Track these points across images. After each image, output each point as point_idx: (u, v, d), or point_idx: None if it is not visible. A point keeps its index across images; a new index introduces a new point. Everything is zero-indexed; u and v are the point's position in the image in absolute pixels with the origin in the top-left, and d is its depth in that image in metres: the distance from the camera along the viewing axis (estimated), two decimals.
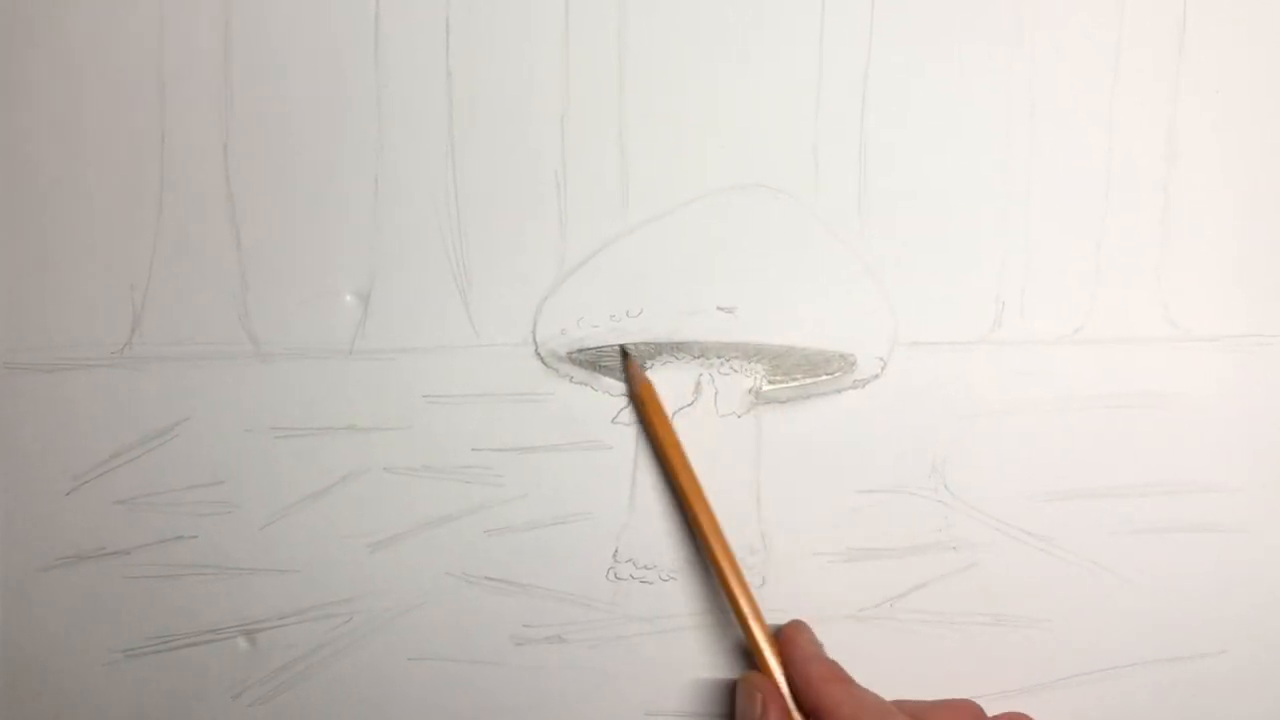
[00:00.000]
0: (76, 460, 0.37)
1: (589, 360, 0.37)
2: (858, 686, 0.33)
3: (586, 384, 0.37)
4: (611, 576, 0.38)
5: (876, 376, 0.37)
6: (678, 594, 0.37)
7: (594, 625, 0.38)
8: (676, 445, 0.36)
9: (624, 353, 0.36)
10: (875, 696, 0.33)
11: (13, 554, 0.38)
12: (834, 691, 0.33)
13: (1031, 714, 0.35)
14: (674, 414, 0.37)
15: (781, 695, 0.33)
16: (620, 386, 0.37)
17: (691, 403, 0.37)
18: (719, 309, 0.37)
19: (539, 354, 0.37)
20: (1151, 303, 0.37)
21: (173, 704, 0.38)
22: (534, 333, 0.37)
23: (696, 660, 0.37)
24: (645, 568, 0.37)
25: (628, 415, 0.37)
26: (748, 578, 0.36)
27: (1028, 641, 0.38)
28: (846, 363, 0.37)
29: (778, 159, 0.37)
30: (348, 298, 0.37)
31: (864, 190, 0.37)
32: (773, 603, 0.37)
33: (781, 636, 0.35)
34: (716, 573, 0.35)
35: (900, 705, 0.33)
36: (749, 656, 0.35)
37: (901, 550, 0.36)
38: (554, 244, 0.37)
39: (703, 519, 0.35)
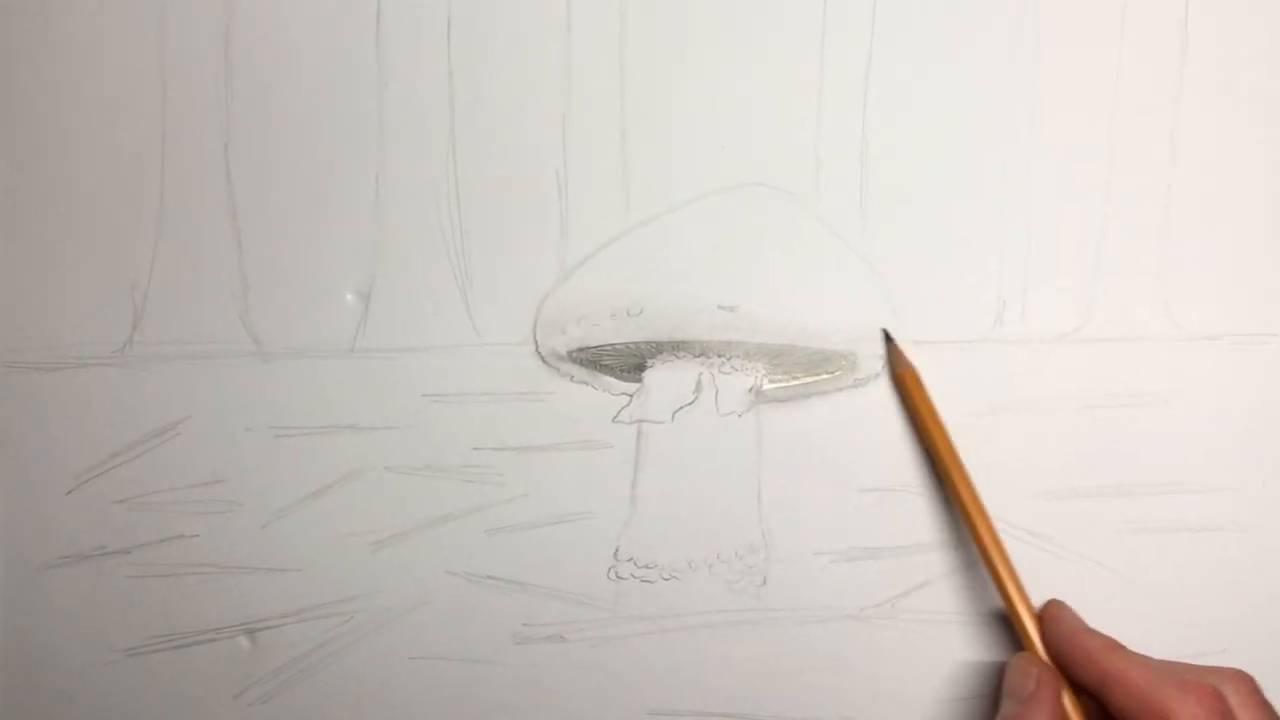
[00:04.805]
0: (77, 459, 0.37)
1: (590, 359, 0.37)
2: (1137, 653, 0.33)
3: (587, 383, 0.37)
4: (612, 576, 0.38)
5: (877, 375, 0.37)
6: (678, 593, 0.37)
7: (594, 624, 0.38)
8: (943, 431, 0.36)
9: (887, 337, 0.37)
10: (1157, 660, 0.33)
11: (13, 554, 0.38)
12: (1119, 659, 0.33)
13: None
14: (674, 413, 0.37)
15: (1055, 671, 0.33)
16: (621, 385, 0.37)
17: (692, 402, 0.37)
18: (720, 308, 0.37)
19: (540, 353, 0.37)
20: (1153, 301, 0.37)
21: (174, 703, 0.38)
22: (535, 332, 0.37)
23: (697, 659, 0.37)
24: (646, 567, 0.37)
25: (628, 414, 0.37)
26: (749, 577, 0.35)
27: None
28: (847, 361, 0.37)
29: (778, 158, 0.37)
30: (349, 297, 0.37)
31: (865, 189, 0.37)
32: (774, 602, 0.37)
33: (1045, 616, 0.35)
34: (983, 556, 0.35)
35: (1171, 667, 0.33)
36: (1012, 633, 0.35)
37: (903, 549, 0.36)
38: (555, 243, 0.37)
39: (969, 503, 0.35)
